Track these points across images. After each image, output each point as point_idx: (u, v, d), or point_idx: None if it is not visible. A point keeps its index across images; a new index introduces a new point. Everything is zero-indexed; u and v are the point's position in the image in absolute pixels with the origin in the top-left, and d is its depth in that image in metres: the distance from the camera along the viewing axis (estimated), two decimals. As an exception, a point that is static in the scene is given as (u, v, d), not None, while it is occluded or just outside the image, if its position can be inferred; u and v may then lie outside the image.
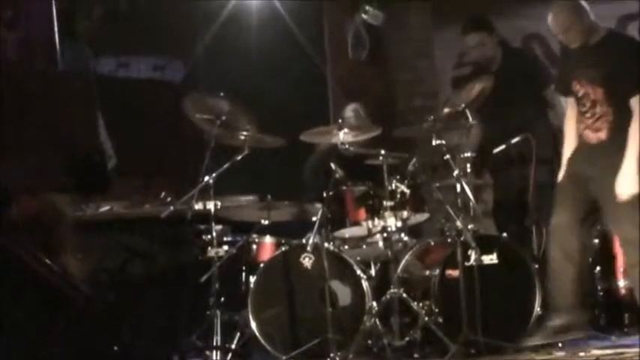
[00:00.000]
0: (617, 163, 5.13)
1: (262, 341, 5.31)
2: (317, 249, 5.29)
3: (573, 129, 5.45)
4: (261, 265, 5.51)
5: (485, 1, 7.27)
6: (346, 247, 5.68)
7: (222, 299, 5.40)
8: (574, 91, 5.36)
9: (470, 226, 5.47)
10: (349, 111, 6.58)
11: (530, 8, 7.24)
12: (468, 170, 5.67)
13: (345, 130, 5.52)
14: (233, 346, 5.43)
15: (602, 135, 5.25)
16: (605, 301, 5.89)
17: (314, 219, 5.43)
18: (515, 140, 6.06)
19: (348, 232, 5.70)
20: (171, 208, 5.61)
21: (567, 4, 5.32)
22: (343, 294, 5.41)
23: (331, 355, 5.09)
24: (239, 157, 5.54)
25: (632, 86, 5.15)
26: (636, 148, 5.09)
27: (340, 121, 5.68)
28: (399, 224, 5.50)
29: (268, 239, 5.81)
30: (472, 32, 6.39)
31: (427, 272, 5.66)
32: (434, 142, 5.59)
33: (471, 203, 5.64)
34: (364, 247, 5.71)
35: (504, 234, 5.67)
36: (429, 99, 7.64)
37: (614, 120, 5.20)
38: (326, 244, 5.36)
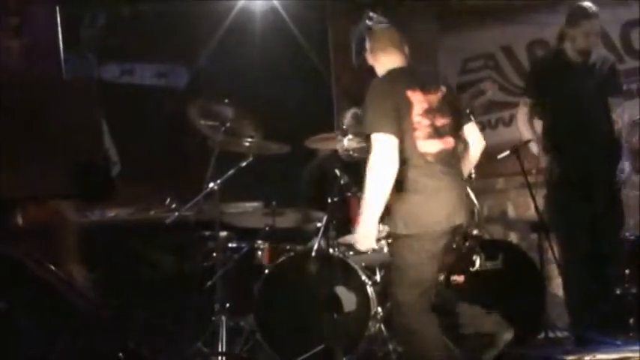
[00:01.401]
0: None
1: (267, 347, 5.32)
2: (322, 255, 5.28)
3: None
4: (266, 271, 5.51)
5: (490, 8, 7.28)
6: (351, 252, 5.67)
7: (228, 305, 5.41)
8: None
9: (474, 232, 5.48)
10: (349, 116, 6.48)
11: (534, 14, 7.24)
12: (473, 176, 5.67)
13: (350, 136, 5.52)
14: (238, 352, 5.43)
15: None
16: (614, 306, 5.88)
17: (319, 225, 5.43)
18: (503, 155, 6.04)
19: (352, 238, 5.70)
20: (176, 214, 5.63)
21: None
22: (348, 300, 5.40)
23: (337, 360, 5.11)
24: (244, 164, 5.55)
25: None
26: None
27: (343, 127, 5.67)
28: (404, 230, 5.50)
29: (273, 245, 5.82)
30: (597, 19, 5.86)
31: (432, 278, 5.65)
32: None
33: (475, 209, 5.64)
34: (369, 252, 5.70)
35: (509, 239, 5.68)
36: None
37: None
38: (331, 250, 5.36)
